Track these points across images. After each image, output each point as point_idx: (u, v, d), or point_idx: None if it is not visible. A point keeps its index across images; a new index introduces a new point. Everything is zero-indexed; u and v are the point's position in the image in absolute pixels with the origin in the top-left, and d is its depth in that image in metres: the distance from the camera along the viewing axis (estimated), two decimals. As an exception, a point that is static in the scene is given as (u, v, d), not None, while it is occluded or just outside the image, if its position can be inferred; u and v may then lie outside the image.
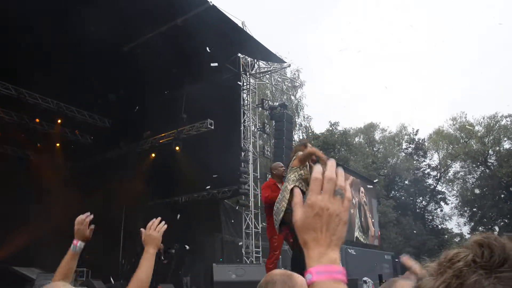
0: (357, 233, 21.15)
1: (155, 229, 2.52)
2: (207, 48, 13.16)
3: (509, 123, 35.93)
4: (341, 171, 0.94)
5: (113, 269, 14.57)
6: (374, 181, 26.86)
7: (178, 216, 14.52)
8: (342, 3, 77.56)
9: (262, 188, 6.74)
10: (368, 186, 23.33)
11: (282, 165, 6.89)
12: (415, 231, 35.34)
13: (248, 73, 15.98)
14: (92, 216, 2.73)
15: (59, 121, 16.42)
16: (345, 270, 0.87)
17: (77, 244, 2.66)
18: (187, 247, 14.46)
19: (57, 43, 12.45)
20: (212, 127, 15.09)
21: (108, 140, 17.10)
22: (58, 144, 16.88)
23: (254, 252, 14.48)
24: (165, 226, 2.53)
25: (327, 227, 0.88)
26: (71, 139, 17.49)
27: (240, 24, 14.17)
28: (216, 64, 14.06)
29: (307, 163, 5.87)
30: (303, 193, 4.55)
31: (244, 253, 14.53)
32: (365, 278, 13.38)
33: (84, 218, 2.67)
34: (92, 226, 2.71)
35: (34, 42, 12.30)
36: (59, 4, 11.30)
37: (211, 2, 12.20)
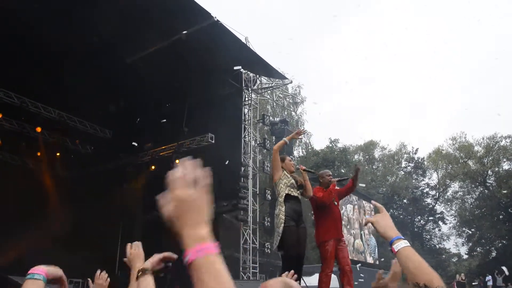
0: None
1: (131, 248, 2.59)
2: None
3: (508, 144, 36.00)
4: (192, 164, 1.07)
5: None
6: (361, 184, 26.71)
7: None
8: (347, 22, 78.18)
9: (314, 192, 6.67)
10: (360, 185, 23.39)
11: (330, 173, 6.88)
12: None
13: (250, 89, 16.05)
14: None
15: (60, 130, 16.43)
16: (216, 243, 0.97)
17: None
18: (170, 263, 14.36)
19: (61, 53, 12.51)
20: (213, 141, 15.10)
21: (108, 151, 17.09)
22: (58, 154, 16.86)
23: (251, 268, 14.42)
24: (139, 242, 2.64)
25: (188, 212, 0.99)
26: (71, 148, 17.48)
27: (243, 40, 14.28)
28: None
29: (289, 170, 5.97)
30: (296, 198, 4.61)
31: (241, 268, 14.46)
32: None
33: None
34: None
35: (38, 51, 12.39)
36: (64, 15, 11.37)
37: (215, 17, 12.30)
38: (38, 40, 12.04)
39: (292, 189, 5.80)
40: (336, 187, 6.75)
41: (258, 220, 15.13)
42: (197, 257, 0.94)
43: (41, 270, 1.86)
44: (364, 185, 31.48)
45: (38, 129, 16.07)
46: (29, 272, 1.82)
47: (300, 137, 7.10)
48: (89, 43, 12.35)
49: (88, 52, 12.60)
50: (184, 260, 0.95)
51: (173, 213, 1.01)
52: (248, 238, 14.73)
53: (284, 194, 5.71)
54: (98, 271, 2.84)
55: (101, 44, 12.56)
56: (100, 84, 13.99)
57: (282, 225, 5.59)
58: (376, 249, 24.51)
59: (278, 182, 5.84)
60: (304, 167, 6.27)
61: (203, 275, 0.93)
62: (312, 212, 7.08)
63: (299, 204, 5.88)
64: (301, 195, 6.03)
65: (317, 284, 6.18)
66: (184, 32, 12.82)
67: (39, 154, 16.78)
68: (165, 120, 14.95)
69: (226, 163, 14.45)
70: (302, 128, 7.97)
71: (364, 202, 24.09)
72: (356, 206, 23.39)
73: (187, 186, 1.02)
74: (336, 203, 6.67)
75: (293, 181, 5.86)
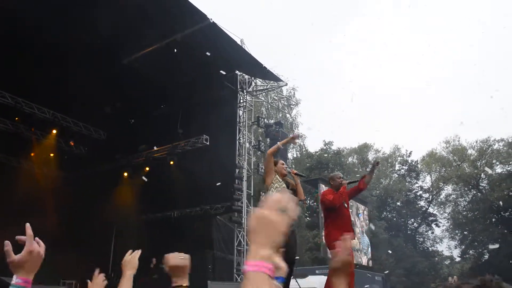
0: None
1: (131, 255, 2.69)
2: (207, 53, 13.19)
3: (501, 147, 36.22)
4: (288, 197, 1.17)
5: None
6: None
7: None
8: (344, 26, 78.42)
9: (325, 194, 6.74)
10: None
11: (341, 176, 6.94)
12: (406, 253, 35.33)
13: (245, 91, 16.06)
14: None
15: (54, 131, 16.36)
16: (272, 267, 1.08)
17: None
18: (161, 265, 14.36)
19: (56, 53, 12.49)
20: (208, 143, 15.10)
21: (103, 152, 17.06)
22: (52, 154, 16.80)
23: (245, 270, 14.40)
24: (140, 251, 2.82)
25: (264, 231, 1.10)
26: (65, 149, 17.41)
27: (239, 42, 14.29)
28: (223, 73, 14.24)
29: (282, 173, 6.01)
30: None
31: (235, 270, 14.46)
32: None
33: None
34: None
35: (33, 51, 12.37)
36: (60, 14, 11.35)
37: (211, 19, 12.31)
38: (33, 40, 12.04)
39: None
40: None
41: (252, 222, 15.09)
42: (252, 270, 1.06)
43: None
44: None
45: (32, 129, 16.03)
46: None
47: (296, 141, 7.16)
48: (85, 44, 12.33)
49: (83, 53, 12.58)
50: (242, 268, 1.08)
51: (252, 226, 1.13)
52: (242, 240, 14.74)
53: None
54: (97, 271, 2.86)
55: (96, 44, 12.54)
56: (95, 85, 13.96)
57: None
58: (369, 249, 24.56)
59: (270, 186, 5.88)
60: (295, 171, 6.32)
61: (247, 286, 1.05)
62: (322, 215, 7.12)
63: None
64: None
65: (311, 286, 6.24)
66: (180, 34, 12.86)
67: (32, 154, 16.73)
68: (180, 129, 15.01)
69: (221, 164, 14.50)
70: (299, 132, 8.02)
71: (357, 204, 24.16)
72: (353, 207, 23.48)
73: (274, 209, 1.13)
74: (346, 205, 6.73)
75: (284, 185, 5.90)
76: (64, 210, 15.18)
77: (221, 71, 14.51)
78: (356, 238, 22.87)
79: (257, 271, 1.06)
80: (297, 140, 7.90)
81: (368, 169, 40.94)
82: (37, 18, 11.03)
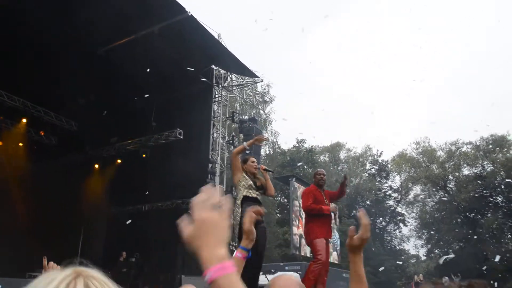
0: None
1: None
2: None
3: (469, 150, 37.06)
4: (214, 190, 1.13)
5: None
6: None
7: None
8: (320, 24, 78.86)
9: (304, 194, 6.85)
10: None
11: (322, 172, 7.07)
12: (374, 251, 35.85)
13: (220, 85, 16.02)
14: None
15: (24, 120, 16.00)
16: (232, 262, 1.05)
17: None
18: (135, 257, 14.34)
19: (29, 41, 12.22)
20: (181, 137, 15.01)
21: (74, 143, 16.77)
22: (21, 144, 16.42)
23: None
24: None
25: (209, 233, 1.05)
26: (35, 139, 17.03)
27: (216, 36, 14.24)
28: (192, 69, 14.08)
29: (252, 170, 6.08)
30: (255, 199, 4.71)
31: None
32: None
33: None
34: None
35: (3, 38, 12.06)
36: (34, 4, 11.11)
37: (189, 12, 12.23)
38: (3, 28, 11.73)
39: (250, 190, 5.86)
40: (327, 190, 7.00)
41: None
42: (218, 276, 1.01)
43: None
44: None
45: (1, 118, 15.63)
46: None
47: (261, 144, 7.25)
48: (60, 33, 12.08)
49: (57, 42, 12.33)
50: (204, 278, 1.02)
51: (193, 233, 1.07)
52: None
53: (242, 196, 5.80)
54: (44, 260, 2.86)
55: (72, 34, 12.32)
56: (68, 75, 13.71)
57: (238, 226, 5.60)
58: (338, 246, 24.78)
59: (237, 184, 5.94)
60: (264, 167, 6.36)
61: None
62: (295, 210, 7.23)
63: (258, 204, 5.86)
64: (263, 195, 6.10)
65: None
66: (157, 26, 12.73)
67: (0, 143, 16.31)
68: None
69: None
70: (264, 135, 8.16)
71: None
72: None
73: (209, 209, 1.08)
74: (327, 202, 6.85)
75: (251, 182, 5.91)
76: (32, 201, 14.85)
77: (197, 65, 14.44)
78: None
79: (225, 274, 1.02)
80: (262, 143, 8.02)
81: (341, 172, 41.48)
82: (10, 8, 10.78)
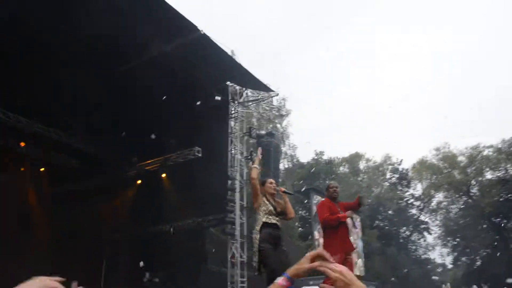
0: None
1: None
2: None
3: (491, 153, 36.48)
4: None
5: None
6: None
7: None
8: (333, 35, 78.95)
9: (319, 207, 6.82)
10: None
11: (335, 186, 7.03)
12: (399, 261, 35.32)
13: (236, 101, 16.04)
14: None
15: (45, 145, 16.16)
16: None
17: None
18: (157, 279, 14.31)
19: (45, 66, 12.38)
20: (200, 155, 15.03)
21: (94, 166, 16.89)
22: (42, 169, 16.60)
23: (239, 282, 14.27)
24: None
25: None
26: (56, 164, 17.19)
27: (229, 52, 14.29)
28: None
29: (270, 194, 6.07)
30: (274, 225, 4.68)
31: (229, 283, 14.32)
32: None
33: None
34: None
35: (21, 63, 12.20)
36: (47, 24, 11.26)
37: (201, 30, 12.30)
38: (22, 52, 11.91)
39: (270, 216, 5.86)
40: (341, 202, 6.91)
41: (245, 234, 15.00)
42: None
43: None
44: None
45: (22, 144, 15.79)
46: None
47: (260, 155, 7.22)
48: (75, 55, 12.24)
49: (73, 64, 12.48)
50: None
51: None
52: (235, 252, 14.59)
53: (262, 223, 5.79)
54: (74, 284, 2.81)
55: (86, 56, 12.45)
56: (85, 97, 13.87)
57: (257, 252, 5.66)
58: (363, 257, 24.44)
59: (258, 209, 5.93)
60: (283, 189, 6.32)
61: None
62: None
63: (277, 230, 5.92)
64: (282, 219, 6.10)
65: None
66: (170, 45, 12.83)
67: (22, 169, 16.48)
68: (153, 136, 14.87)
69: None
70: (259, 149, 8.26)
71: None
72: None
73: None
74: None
75: (271, 208, 5.91)
76: (55, 225, 14.97)
77: (212, 82, 14.49)
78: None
79: None
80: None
81: (361, 183, 41.12)
82: (28, 30, 10.96)
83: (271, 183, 6.20)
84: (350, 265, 6.52)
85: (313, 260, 1.98)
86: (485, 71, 66.58)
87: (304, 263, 2.04)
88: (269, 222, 5.82)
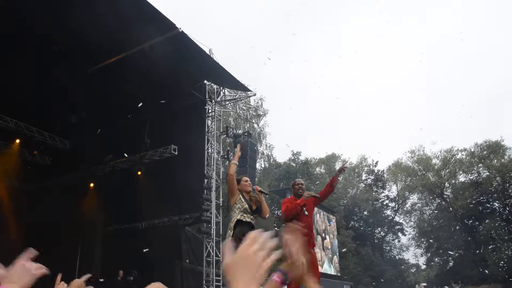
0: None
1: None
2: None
3: (464, 156, 37.18)
4: (267, 236, 1.15)
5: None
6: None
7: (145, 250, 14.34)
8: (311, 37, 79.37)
9: (282, 205, 6.77)
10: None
11: (300, 182, 6.94)
12: (373, 261, 35.72)
13: (213, 100, 16.03)
14: (90, 275, 2.86)
15: (17, 141, 15.94)
16: None
17: None
18: (133, 276, 14.23)
19: (19, 62, 12.20)
20: (176, 153, 14.99)
21: (68, 163, 16.70)
22: (15, 165, 16.33)
23: (214, 281, 14.28)
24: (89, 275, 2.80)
25: (248, 269, 1.07)
26: (29, 159, 16.96)
27: (207, 51, 14.27)
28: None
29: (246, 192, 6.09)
30: (248, 224, 4.70)
31: (204, 281, 14.31)
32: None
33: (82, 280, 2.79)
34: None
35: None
36: (23, 22, 11.13)
37: (180, 28, 12.25)
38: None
39: (244, 214, 5.87)
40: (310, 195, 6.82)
41: (221, 233, 15.00)
42: None
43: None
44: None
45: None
46: None
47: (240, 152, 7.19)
48: (51, 52, 12.09)
49: (47, 61, 12.34)
50: None
51: (233, 262, 1.09)
52: (211, 251, 14.59)
53: (236, 220, 5.79)
54: (59, 276, 2.82)
55: (62, 53, 12.32)
56: (60, 94, 13.72)
57: None
58: (337, 257, 24.66)
59: (233, 206, 5.93)
60: (259, 188, 6.34)
61: None
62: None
63: (251, 227, 5.89)
64: (257, 217, 6.13)
65: None
66: (148, 43, 12.74)
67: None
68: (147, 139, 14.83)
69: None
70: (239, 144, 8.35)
71: (327, 213, 24.33)
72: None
73: (257, 246, 1.11)
74: (307, 213, 6.73)
75: (246, 206, 5.92)
76: (28, 222, 14.76)
77: (189, 81, 14.43)
78: (324, 249, 23.01)
79: None
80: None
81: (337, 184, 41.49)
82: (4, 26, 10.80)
83: (246, 181, 6.22)
84: (314, 259, 6.58)
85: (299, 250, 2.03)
86: (466, 73, 67.69)
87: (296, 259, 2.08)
88: (244, 220, 5.82)
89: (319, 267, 21.98)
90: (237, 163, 6.56)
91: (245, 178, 6.32)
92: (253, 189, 6.29)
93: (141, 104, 14.79)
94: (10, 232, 14.10)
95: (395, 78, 75.69)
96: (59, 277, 2.77)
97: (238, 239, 5.68)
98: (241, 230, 5.74)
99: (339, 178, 7.15)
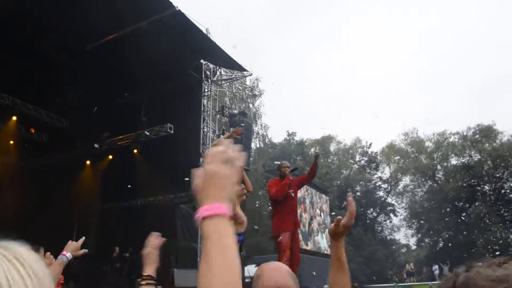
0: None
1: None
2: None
3: (456, 140, 37.50)
4: (232, 146, 1.10)
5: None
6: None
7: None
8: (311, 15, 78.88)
9: (268, 186, 6.90)
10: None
11: (287, 164, 7.12)
12: (365, 241, 36.20)
13: (209, 80, 16.08)
14: (84, 238, 3.05)
15: (14, 118, 15.94)
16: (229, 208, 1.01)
17: (66, 254, 2.85)
18: (129, 252, 14.42)
19: (16, 37, 12.18)
20: (172, 132, 15.09)
21: (65, 140, 16.75)
22: (11, 142, 16.36)
23: (208, 258, 14.49)
24: (83, 238, 3.06)
25: (216, 186, 1.02)
26: (25, 137, 16.98)
27: (204, 31, 14.28)
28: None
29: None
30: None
31: (199, 259, 14.50)
32: (326, 286, 13.69)
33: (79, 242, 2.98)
34: (84, 251, 3.02)
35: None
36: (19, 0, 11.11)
37: (177, 7, 12.26)
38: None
39: None
40: (291, 177, 6.97)
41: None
42: (208, 214, 0.98)
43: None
44: None
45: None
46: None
47: (237, 136, 7.31)
48: (48, 29, 12.08)
49: (45, 37, 12.33)
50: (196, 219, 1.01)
51: (200, 184, 1.04)
52: (205, 228, 14.76)
53: None
54: (42, 250, 2.98)
55: (60, 30, 12.30)
56: (57, 72, 13.73)
57: None
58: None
59: None
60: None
61: (208, 242, 0.97)
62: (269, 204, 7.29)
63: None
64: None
65: None
66: (145, 21, 12.73)
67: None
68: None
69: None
70: (240, 128, 8.47)
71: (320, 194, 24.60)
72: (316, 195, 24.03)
73: (221, 162, 1.05)
74: (293, 195, 6.91)
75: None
76: (24, 199, 14.85)
77: (186, 60, 14.42)
78: (317, 225, 23.35)
79: (215, 215, 0.98)
80: (238, 135, 8.45)
81: (331, 164, 41.70)
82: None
83: None
84: (297, 240, 6.79)
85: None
86: (462, 60, 67.76)
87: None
88: None
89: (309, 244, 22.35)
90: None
91: None
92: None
93: (137, 84, 14.84)
94: (5, 209, 14.21)
95: (394, 62, 75.65)
96: (41, 251, 2.93)
97: None
98: None
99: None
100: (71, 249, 2.87)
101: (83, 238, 3.04)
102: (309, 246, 22.13)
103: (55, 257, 2.98)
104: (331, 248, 2.03)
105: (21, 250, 0.82)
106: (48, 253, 3.02)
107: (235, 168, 1.06)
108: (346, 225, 2.02)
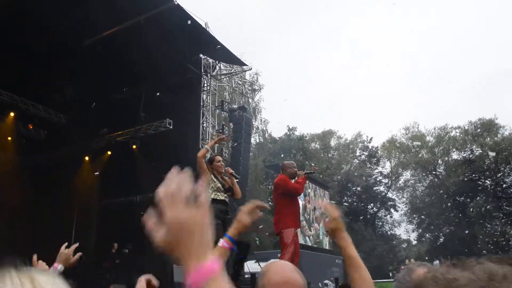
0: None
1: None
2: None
3: (457, 134, 37.36)
4: (184, 175, 0.88)
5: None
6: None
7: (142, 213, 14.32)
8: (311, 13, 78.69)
9: (282, 182, 6.76)
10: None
11: (295, 165, 7.12)
12: (365, 236, 36.16)
13: (209, 74, 15.97)
14: (77, 244, 2.97)
15: (12, 114, 15.82)
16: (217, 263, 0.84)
17: (57, 267, 2.78)
18: (128, 248, 14.35)
19: (14, 34, 12.07)
20: (171, 127, 14.99)
21: (63, 136, 16.65)
22: (9, 138, 16.25)
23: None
24: (76, 244, 2.96)
25: (192, 239, 0.84)
26: (24, 133, 16.87)
27: (203, 25, 14.16)
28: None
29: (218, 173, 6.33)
30: (222, 201, 4.91)
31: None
32: (326, 281, 13.66)
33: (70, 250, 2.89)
34: (77, 256, 2.92)
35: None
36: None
37: (175, 1, 12.14)
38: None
39: (218, 193, 6.14)
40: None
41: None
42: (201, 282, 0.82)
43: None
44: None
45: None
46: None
47: (223, 142, 7.40)
48: (46, 25, 11.94)
49: (43, 34, 12.19)
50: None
51: (170, 239, 0.85)
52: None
53: (210, 199, 5.95)
54: (35, 257, 2.91)
55: (57, 26, 12.16)
56: (55, 67, 13.60)
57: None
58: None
59: (208, 185, 6.10)
60: (231, 170, 6.52)
61: None
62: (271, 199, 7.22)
63: (225, 205, 6.22)
64: (231, 197, 6.42)
65: None
66: (143, 16, 12.61)
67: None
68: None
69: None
70: (225, 135, 8.43)
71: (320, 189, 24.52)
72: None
73: (183, 205, 0.86)
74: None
75: (219, 185, 6.17)
76: (23, 195, 14.76)
77: (185, 54, 14.31)
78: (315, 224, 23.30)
79: (210, 279, 0.82)
80: (223, 142, 8.42)
81: (331, 159, 41.57)
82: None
83: (218, 161, 6.43)
84: (297, 239, 6.76)
85: (250, 213, 2.07)
86: (462, 60, 67.59)
87: (242, 219, 2.12)
88: (218, 198, 6.08)
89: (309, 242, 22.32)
90: (210, 149, 6.71)
91: (218, 158, 6.53)
92: (225, 170, 6.46)
93: (136, 79, 14.72)
94: (4, 206, 14.12)
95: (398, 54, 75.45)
96: (35, 257, 2.85)
97: (215, 217, 5.79)
98: (217, 207, 5.95)
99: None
100: (62, 260, 2.79)
101: (77, 244, 2.95)
102: (312, 232, 22.20)
103: (54, 257, 2.90)
104: (339, 247, 2.07)
105: (40, 277, 0.80)
106: (40, 261, 2.93)
107: (203, 204, 0.87)
108: (332, 218, 2.09)
